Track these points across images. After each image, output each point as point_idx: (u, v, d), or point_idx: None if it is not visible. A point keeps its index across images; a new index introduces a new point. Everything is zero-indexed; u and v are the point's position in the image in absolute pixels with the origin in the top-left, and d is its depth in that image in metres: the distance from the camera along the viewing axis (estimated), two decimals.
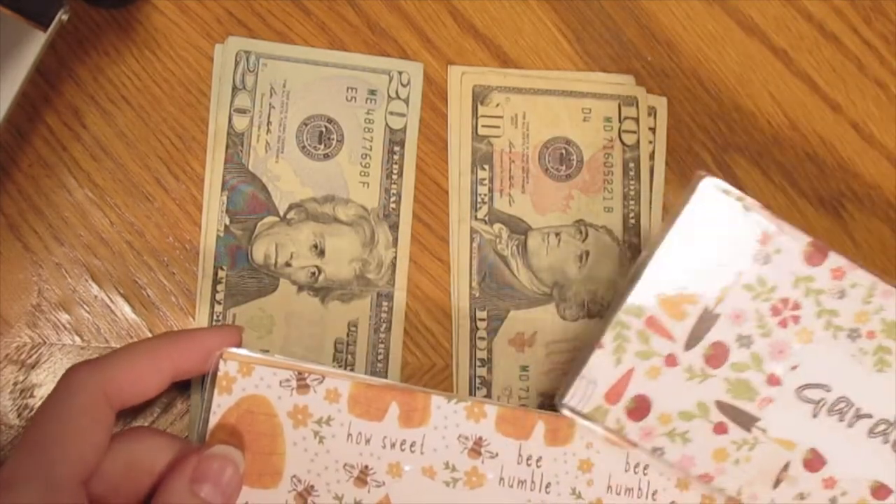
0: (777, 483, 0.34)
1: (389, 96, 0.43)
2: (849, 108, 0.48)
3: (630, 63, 0.46)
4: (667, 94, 0.46)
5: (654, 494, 0.34)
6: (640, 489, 0.34)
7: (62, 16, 0.34)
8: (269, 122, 0.42)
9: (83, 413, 0.31)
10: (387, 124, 0.43)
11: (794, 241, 0.32)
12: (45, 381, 0.39)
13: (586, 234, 0.44)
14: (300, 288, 0.41)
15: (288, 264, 0.41)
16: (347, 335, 0.41)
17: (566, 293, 0.43)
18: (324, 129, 0.42)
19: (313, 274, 0.41)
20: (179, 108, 0.41)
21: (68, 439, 0.31)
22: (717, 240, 0.32)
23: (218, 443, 0.34)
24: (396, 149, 0.43)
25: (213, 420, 0.33)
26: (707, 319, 0.33)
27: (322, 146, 0.42)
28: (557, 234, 0.44)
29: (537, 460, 0.34)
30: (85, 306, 0.40)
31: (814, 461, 0.34)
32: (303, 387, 0.34)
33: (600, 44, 0.46)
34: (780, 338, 0.33)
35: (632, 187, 0.44)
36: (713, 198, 0.32)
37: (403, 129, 0.43)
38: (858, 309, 0.32)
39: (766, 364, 0.33)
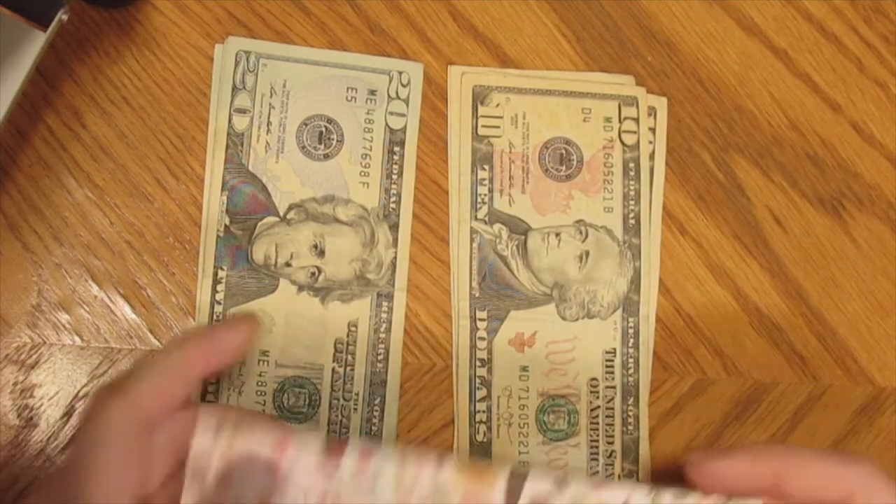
0: None
1: (389, 96, 0.43)
2: (849, 108, 0.48)
3: (630, 63, 0.46)
4: (667, 94, 0.46)
5: None
6: None
7: (62, 16, 0.34)
8: (269, 122, 0.42)
9: (121, 460, 0.30)
10: (387, 124, 0.43)
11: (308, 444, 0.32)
12: (45, 381, 0.39)
13: (586, 234, 0.44)
14: (300, 288, 0.41)
15: (288, 264, 0.41)
16: (347, 335, 0.41)
17: (566, 293, 0.43)
18: (324, 129, 0.42)
19: (313, 274, 0.41)
20: (179, 108, 0.41)
21: (107, 483, 0.30)
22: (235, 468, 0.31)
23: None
24: (396, 149, 0.43)
25: None
26: None
27: (322, 146, 0.42)
28: (557, 234, 0.43)
29: None
30: (85, 306, 0.40)
31: None
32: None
33: (600, 44, 0.46)
34: None
35: (632, 187, 0.44)
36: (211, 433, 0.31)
37: (403, 129, 0.43)
38: (393, 485, 0.32)
39: None
